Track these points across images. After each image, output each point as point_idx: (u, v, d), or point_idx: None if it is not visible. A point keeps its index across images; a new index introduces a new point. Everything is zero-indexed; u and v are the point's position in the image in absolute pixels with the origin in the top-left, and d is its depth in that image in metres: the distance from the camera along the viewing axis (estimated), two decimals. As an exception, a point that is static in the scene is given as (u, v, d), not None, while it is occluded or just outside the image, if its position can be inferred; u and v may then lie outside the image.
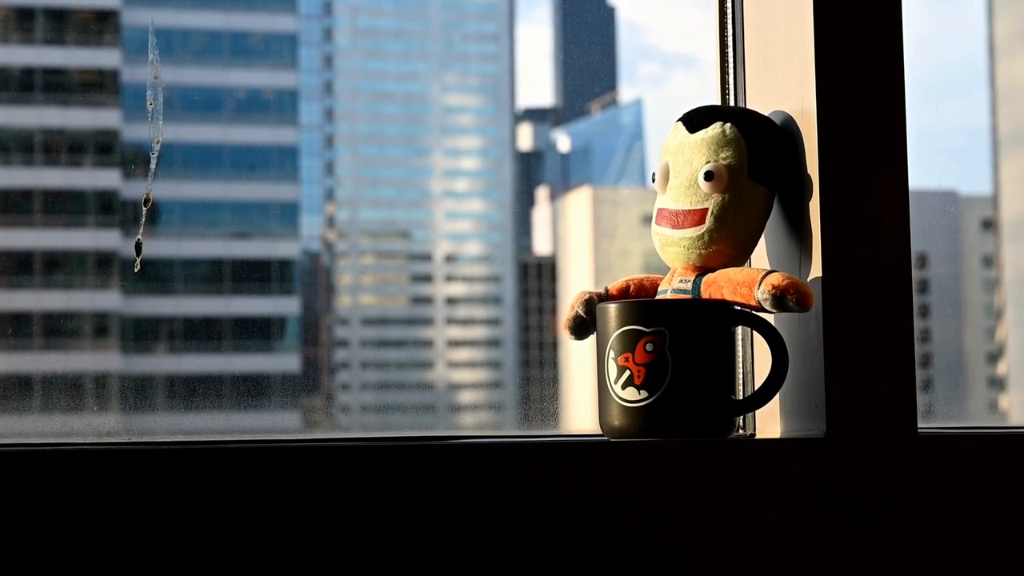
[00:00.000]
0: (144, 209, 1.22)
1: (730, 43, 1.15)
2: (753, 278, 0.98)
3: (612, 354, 0.98)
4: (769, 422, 1.07)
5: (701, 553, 0.95)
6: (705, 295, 1.01)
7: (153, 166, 1.21)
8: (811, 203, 1.00)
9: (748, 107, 1.11)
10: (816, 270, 0.99)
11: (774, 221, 1.05)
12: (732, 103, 1.15)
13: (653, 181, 1.05)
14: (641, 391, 0.97)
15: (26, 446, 0.91)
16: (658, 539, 0.94)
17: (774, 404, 1.04)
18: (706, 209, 1.01)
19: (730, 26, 1.15)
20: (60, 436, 1.13)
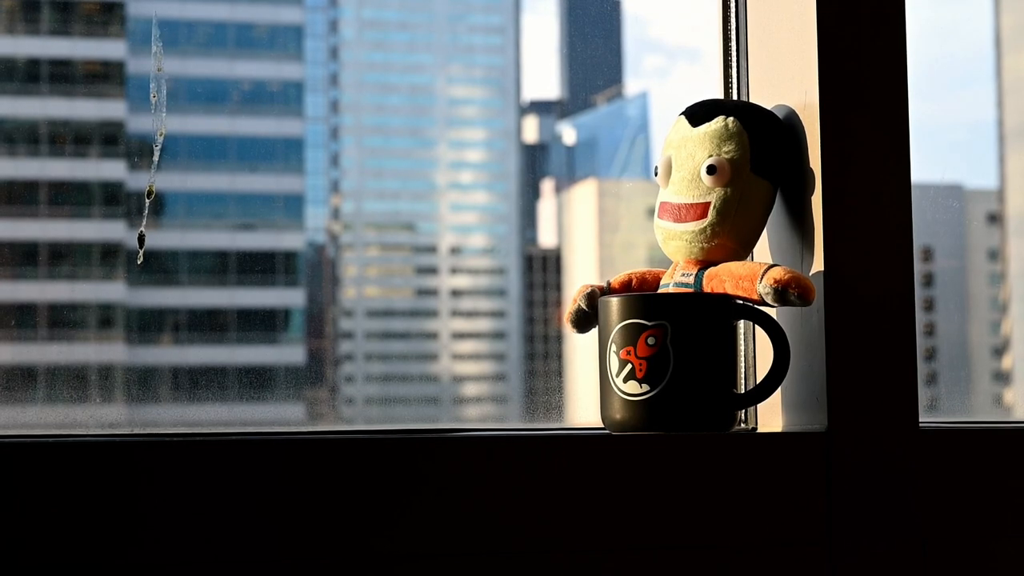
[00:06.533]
0: (147, 202, 1.22)
1: (733, 37, 1.15)
2: (755, 272, 0.98)
3: (614, 347, 0.98)
4: (771, 416, 1.07)
5: (702, 547, 0.95)
6: (707, 289, 1.01)
7: (156, 158, 1.22)
8: (813, 197, 1.00)
9: (751, 101, 1.11)
10: (818, 264, 0.99)
11: (776, 215, 1.05)
12: (735, 97, 1.15)
13: (656, 175, 1.05)
14: (643, 384, 0.97)
15: (30, 438, 0.91)
16: (659, 532, 0.94)
17: (776, 398, 1.04)
18: (708, 203, 1.01)
19: (733, 20, 1.15)
20: (64, 427, 1.13)
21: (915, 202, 1.02)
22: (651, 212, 1.06)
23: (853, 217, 0.99)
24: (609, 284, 1.07)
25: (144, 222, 1.19)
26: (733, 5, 1.15)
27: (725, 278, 1.00)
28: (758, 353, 1.10)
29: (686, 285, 1.02)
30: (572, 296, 1.06)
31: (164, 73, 1.23)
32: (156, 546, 0.87)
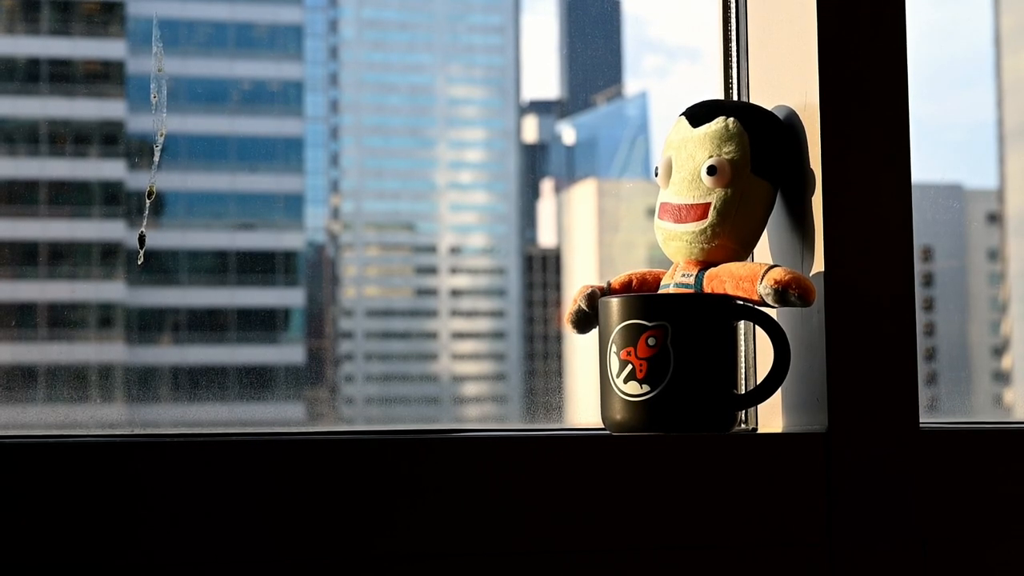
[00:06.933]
0: (148, 202, 1.22)
1: (733, 37, 1.15)
2: (755, 272, 0.98)
3: (614, 348, 0.98)
4: (771, 417, 1.07)
5: (702, 547, 0.95)
6: (707, 289, 1.01)
7: (157, 159, 1.22)
8: (813, 198, 1.00)
9: (751, 101, 1.11)
10: (818, 265, 0.99)
11: (776, 216, 1.05)
12: (735, 97, 1.15)
13: (656, 175, 1.05)
14: (643, 385, 0.97)
15: (30, 438, 0.91)
16: (659, 533, 0.94)
17: (776, 399, 1.04)
18: (709, 203, 1.01)
19: (733, 20, 1.15)
20: (64, 427, 1.13)
21: (915, 202, 1.02)
22: (651, 212, 1.06)
23: (853, 217, 0.99)
24: (609, 284, 1.07)
25: (144, 222, 1.19)
26: (733, 5, 1.15)
27: (725, 279, 1.00)
28: (758, 354, 1.10)
29: (686, 286, 1.02)
30: (572, 296, 1.06)
31: (164, 73, 1.23)
32: (156, 546, 0.87)
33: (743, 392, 1.09)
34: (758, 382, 1.02)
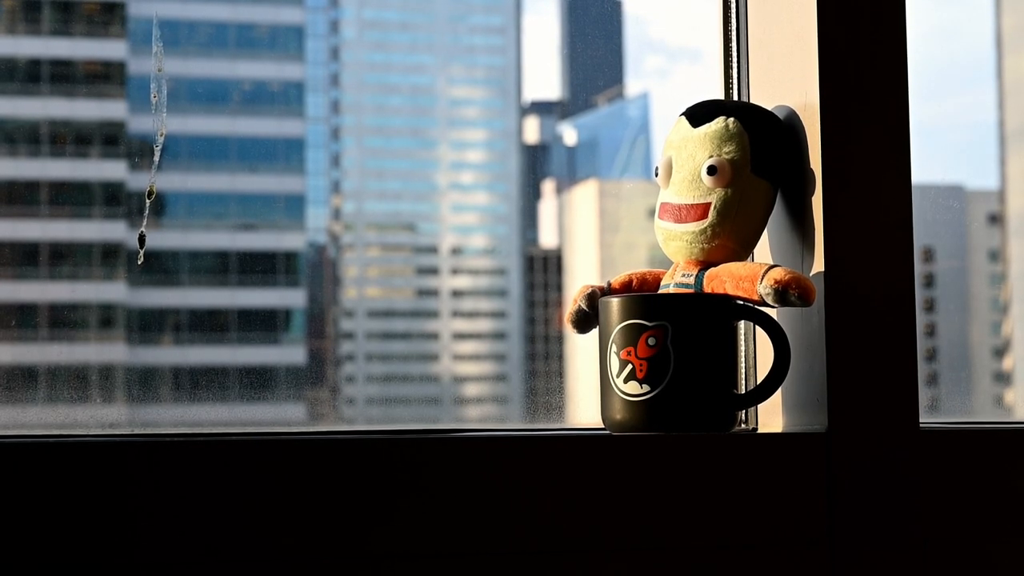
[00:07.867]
0: (148, 202, 1.22)
1: (733, 37, 1.15)
2: (756, 272, 0.98)
3: (614, 348, 0.98)
4: (771, 416, 1.07)
5: (703, 547, 0.95)
6: (707, 289, 1.01)
7: (157, 159, 1.22)
8: (814, 198, 1.00)
9: (751, 101, 1.11)
10: (818, 265, 0.99)
11: (777, 216, 1.05)
12: (735, 97, 1.15)
13: (656, 176, 1.05)
14: (643, 385, 0.97)
15: (31, 438, 0.91)
16: (660, 533, 0.94)
17: (776, 398, 1.04)
18: (709, 203, 1.01)
19: (733, 20, 1.15)
20: (65, 427, 1.13)
21: (916, 203, 1.02)
22: (652, 213, 1.06)
23: (853, 218, 0.99)
24: (610, 284, 1.07)
25: (145, 222, 1.19)
26: (733, 5, 1.15)
27: (726, 279, 1.00)
28: (759, 354, 1.10)
29: (687, 286, 1.02)
30: (573, 297, 1.06)
31: (165, 73, 1.23)
32: (156, 546, 0.87)
33: (743, 392, 1.09)
34: (758, 382, 1.02)
